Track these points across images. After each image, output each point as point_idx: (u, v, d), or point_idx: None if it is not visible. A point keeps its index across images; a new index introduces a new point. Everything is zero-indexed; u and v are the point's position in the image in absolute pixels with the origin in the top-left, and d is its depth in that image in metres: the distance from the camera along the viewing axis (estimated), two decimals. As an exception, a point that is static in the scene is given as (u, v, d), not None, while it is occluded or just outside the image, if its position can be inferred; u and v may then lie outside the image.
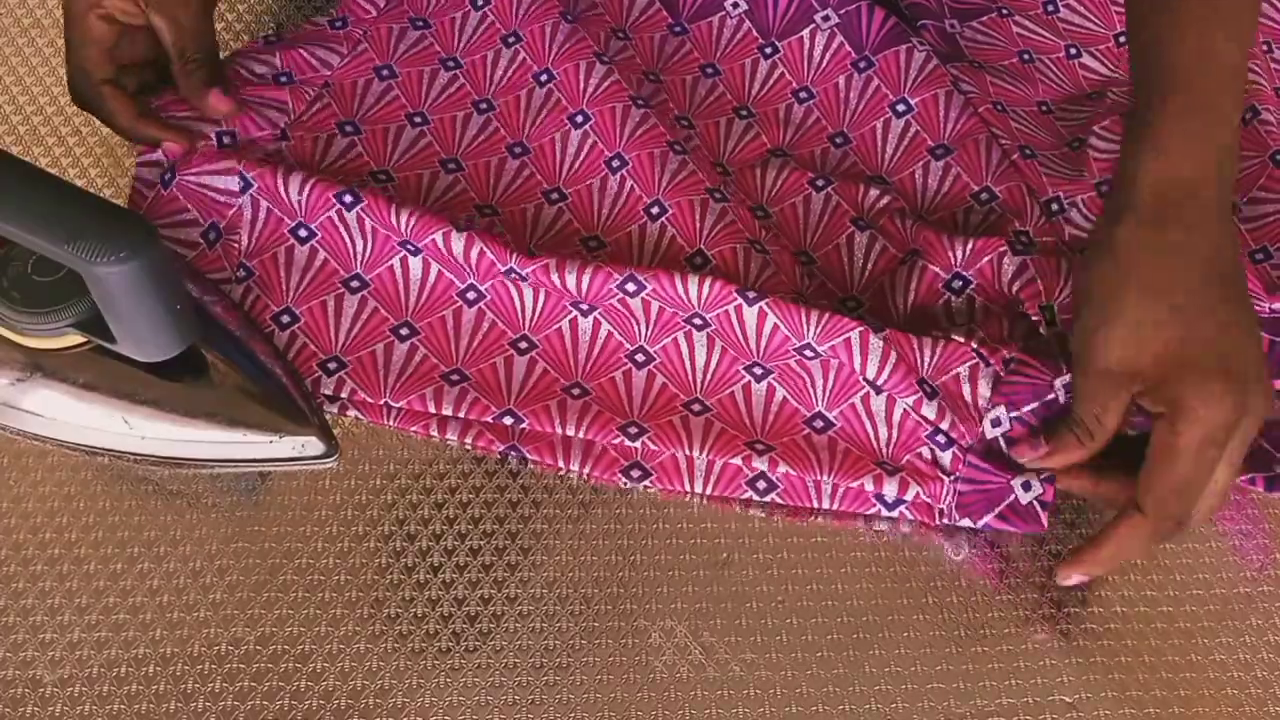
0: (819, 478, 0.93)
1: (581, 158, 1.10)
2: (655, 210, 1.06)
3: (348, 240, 1.04)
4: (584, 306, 1.00)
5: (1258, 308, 1.00)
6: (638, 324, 1.00)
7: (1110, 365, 0.88)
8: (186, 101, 1.06)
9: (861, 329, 0.94)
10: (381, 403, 0.97)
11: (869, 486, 0.93)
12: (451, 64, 1.16)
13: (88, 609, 0.88)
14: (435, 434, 0.96)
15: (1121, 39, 1.22)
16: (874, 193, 1.09)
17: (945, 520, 0.94)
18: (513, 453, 0.96)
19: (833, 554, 0.93)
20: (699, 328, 0.99)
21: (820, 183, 1.09)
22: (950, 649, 0.89)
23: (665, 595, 0.90)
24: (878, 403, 0.96)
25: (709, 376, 0.98)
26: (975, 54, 1.20)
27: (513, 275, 1.00)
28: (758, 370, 0.98)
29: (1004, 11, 1.23)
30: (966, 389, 0.95)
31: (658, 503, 0.95)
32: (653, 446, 0.95)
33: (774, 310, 0.96)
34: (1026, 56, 1.20)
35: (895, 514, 0.94)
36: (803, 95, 1.18)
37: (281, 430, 0.92)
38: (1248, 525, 0.95)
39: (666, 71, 1.19)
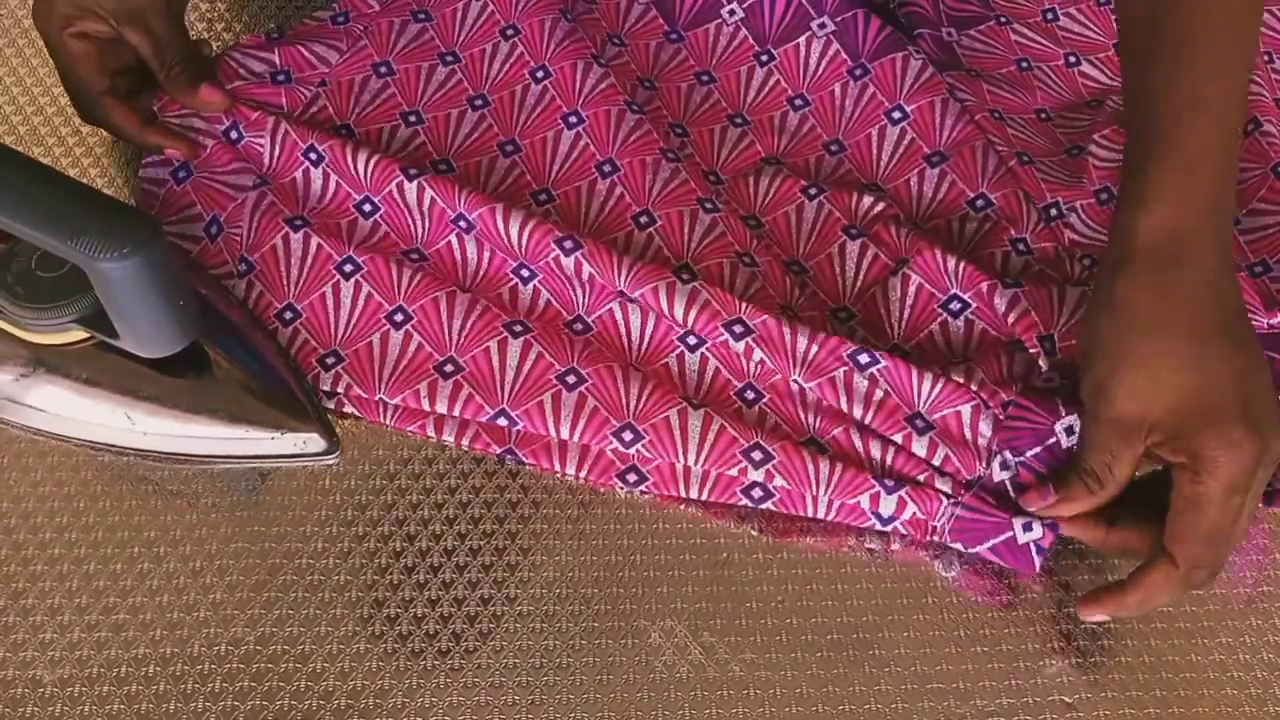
0: (815, 493, 0.93)
1: (572, 159, 1.10)
2: (644, 219, 1.06)
3: (343, 226, 1.05)
4: (583, 306, 1.01)
5: (1256, 323, 1.00)
6: (630, 336, 1.00)
7: (1124, 415, 0.86)
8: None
9: (846, 368, 0.95)
10: (376, 398, 0.97)
11: (865, 505, 0.93)
12: (450, 58, 1.16)
13: (88, 609, 0.88)
14: (432, 434, 0.96)
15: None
16: (867, 200, 1.08)
17: (937, 538, 0.93)
18: (509, 456, 0.96)
19: (833, 554, 0.93)
20: (692, 348, 0.99)
21: (813, 191, 1.09)
22: (950, 649, 0.89)
23: (665, 595, 0.90)
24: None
25: (703, 389, 0.98)
26: (973, 62, 1.20)
27: (520, 270, 1.01)
28: (750, 394, 0.98)
29: (1002, 20, 1.22)
30: (968, 431, 0.94)
31: (658, 503, 0.95)
32: (648, 454, 0.95)
33: (761, 347, 0.96)
34: (1025, 64, 1.20)
35: (889, 529, 0.94)
36: (798, 103, 1.18)
37: (283, 427, 0.93)
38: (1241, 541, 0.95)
39: (662, 78, 1.19)
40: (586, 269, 1.00)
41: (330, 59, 1.14)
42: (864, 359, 0.95)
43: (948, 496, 0.92)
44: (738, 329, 0.96)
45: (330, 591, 0.89)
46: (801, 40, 1.20)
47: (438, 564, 0.91)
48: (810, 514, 0.94)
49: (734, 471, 0.94)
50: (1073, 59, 1.20)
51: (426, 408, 0.96)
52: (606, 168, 1.09)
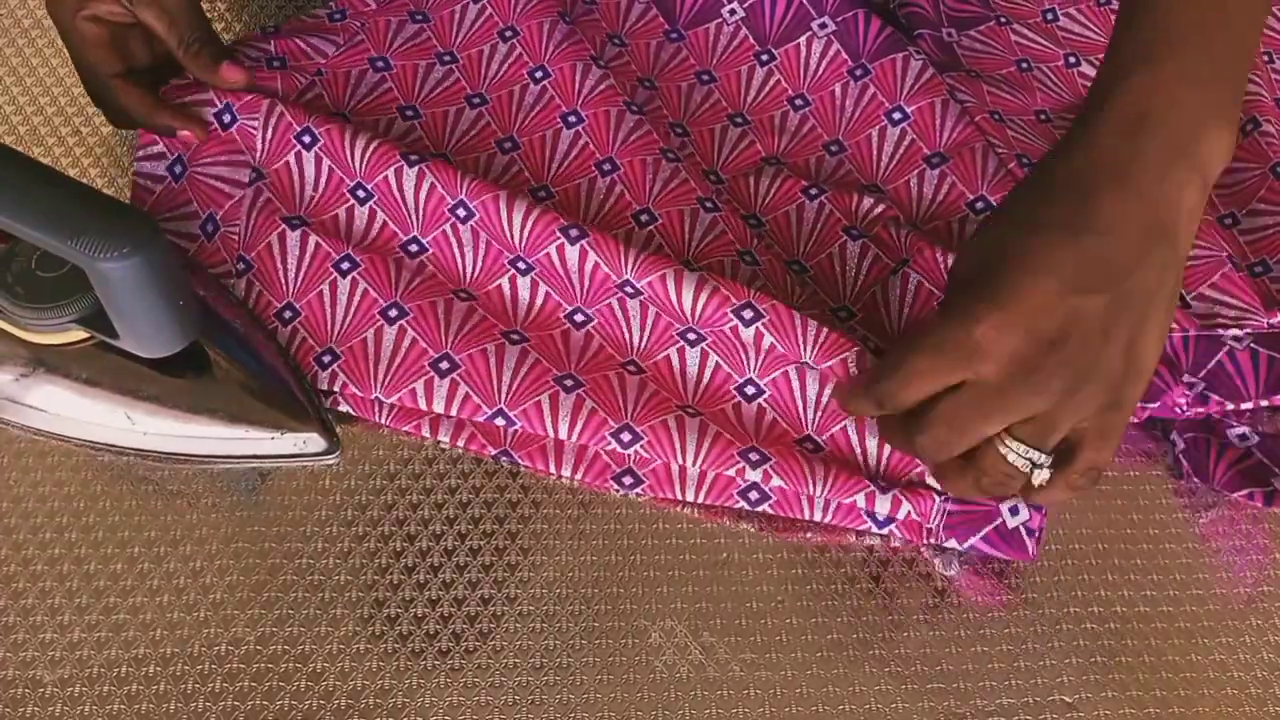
0: (812, 492, 0.93)
1: (571, 157, 1.10)
2: (645, 218, 1.06)
3: (341, 224, 1.05)
4: (582, 307, 1.01)
5: (1256, 322, 1.00)
6: (630, 332, 1.00)
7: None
8: (196, 84, 1.07)
9: (859, 349, 0.95)
10: (373, 397, 0.97)
11: (861, 504, 0.93)
12: (448, 58, 1.16)
13: (88, 609, 0.88)
14: (428, 435, 0.97)
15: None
16: (868, 201, 1.08)
17: (932, 540, 0.93)
18: (504, 458, 0.96)
19: (833, 554, 0.93)
20: (692, 343, 0.99)
21: (814, 191, 1.09)
22: (950, 649, 0.89)
23: (665, 595, 0.90)
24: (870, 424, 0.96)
25: (700, 390, 0.98)
26: (973, 63, 1.20)
27: (517, 263, 1.01)
28: (750, 389, 0.98)
29: (1002, 20, 1.23)
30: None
31: (658, 503, 0.95)
32: (645, 455, 0.95)
33: (771, 331, 0.96)
34: (1025, 65, 1.20)
35: (885, 532, 0.94)
36: (798, 102, 1.18)
37: (283, 426, 0.93)
38: (1241, 540, 0.95)
39: (662, 78, 1.19)
40: (591, 258, 0.99)
41: (327, 50, 1.14)
42: (870, 346, 0.97)
43: (939, 494, 0.93)
44: (748, 314, 0.96)
45: (330, 591, 0.89)
46: (802, 40, 1.20)
47: (438, 564, 0.91)
48: (806, 516, 0.94)
49: (731, 472, 0.94)
50: (1073, 59, 1.20)
51: (423, 407, 0.96)
52: (606, 166, 1.09)
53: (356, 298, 1.00)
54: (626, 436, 0.94)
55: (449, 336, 0.98)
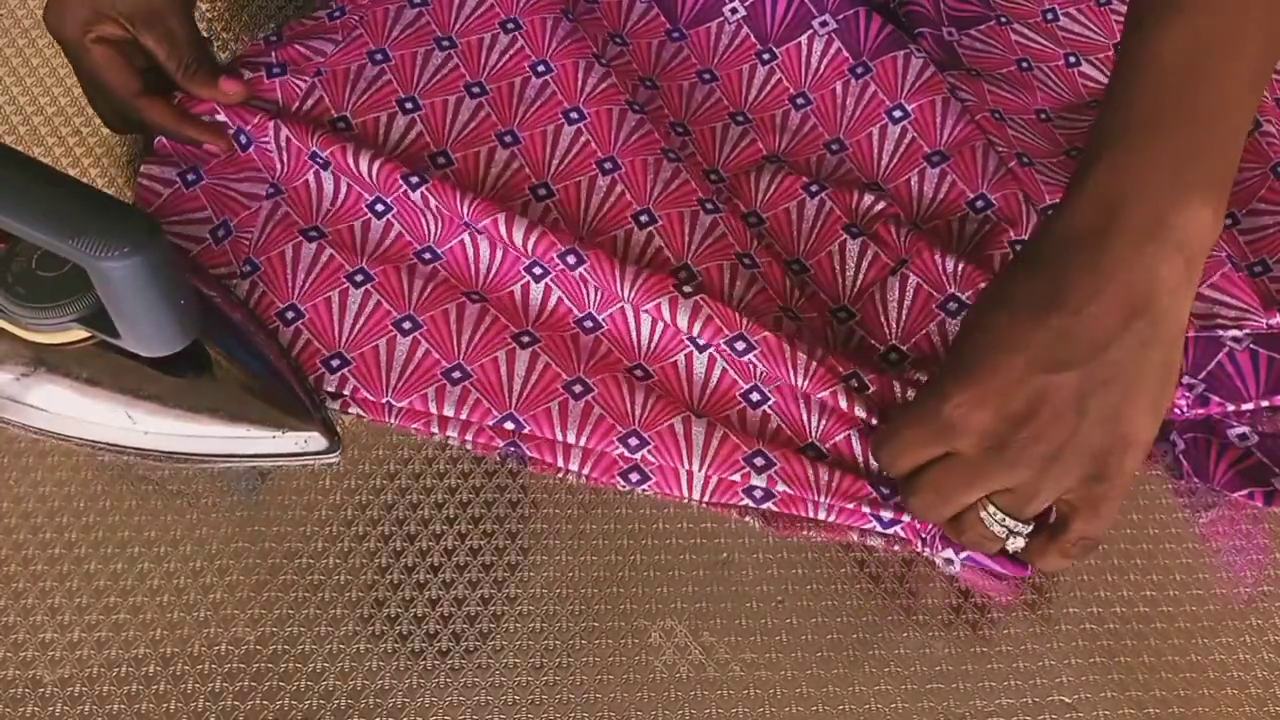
0: (817, 498, 0.93)
1: (573, 154, 1.10)
2: (644, 219, 1.06)
3: (357, 236, 1.04)
4: (594, 305, 1.01)
5: (1255, 323, 1.00)
6: (639, 336, 1.00)
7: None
8: (199, 98, 1.07)
9: (845, 388, 0.96)
10: (384, 401, 0.97)
11: (866, 509, 0.93)
12: (447, 43, 1.15)
13: (88, 609, 0.88)
14: (436, 431, 0.97)
15: (1120, 45, 1.21)
16: (868, 199, 1.08)
17: (928, 550, 0.93)
18: (512, 449, 0.96)
19: (833, 554, 0.93)
20: (700, 348, 0.99)
21: (814, 188, 1.09)
22: (950, 649, 0.89)
23: (665, 595, 0.90)
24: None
25: (707, 395, 0.99)
26: (973, 62, 1.20)
27: (533, 269, 1.01)
28: (755, 395, 0.98)
29: (1002, 19, 1.22)
30: None
31: (658, 503, 0.95)
32: (652, 459, 0.95)
33: (763, 361, 0.97)
34: (1025, 64, 1.20)
35: (890, 532, 0.94)
36: (800, 101, 1.18)
37: (284, 426, 0.93)
38: (1241, 540, 0.95)
39: (664, 77, 1.19)
40: (591, 281, 1.00)
41: (326, 50, 1.13)
42: (855, 384, 0.96)
43: None
44: (740, 345, 0.97)
45: (330, 591, 0.89)
46: (803, 39, 1.20)
47: (438, 564, 0.91)
48: (811, 514, 0.94)
49: (736, 476, 0.94)
50: (1073, 59, 1.20)
51: (434, 411, 0.96)
52: (607, 165, 1.09)
53: (369, 308, 1.01)
54: (634, 441, 0.95)
55: (461, 346, 0.99)
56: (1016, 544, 0.86)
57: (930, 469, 0.87)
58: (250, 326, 0.97)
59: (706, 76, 1.19)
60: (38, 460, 0.94)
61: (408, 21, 1.16)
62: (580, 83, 1.13)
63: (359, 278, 1.02)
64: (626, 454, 0.95)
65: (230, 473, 0.94)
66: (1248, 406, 0.99)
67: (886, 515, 0.93)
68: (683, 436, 0.95)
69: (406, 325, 1.00)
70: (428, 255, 1.04)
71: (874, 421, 0.96)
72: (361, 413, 0.97)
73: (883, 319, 1.02)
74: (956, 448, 0.85)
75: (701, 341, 0.99)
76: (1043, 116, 1.16)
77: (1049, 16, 1.24)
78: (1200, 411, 0.99)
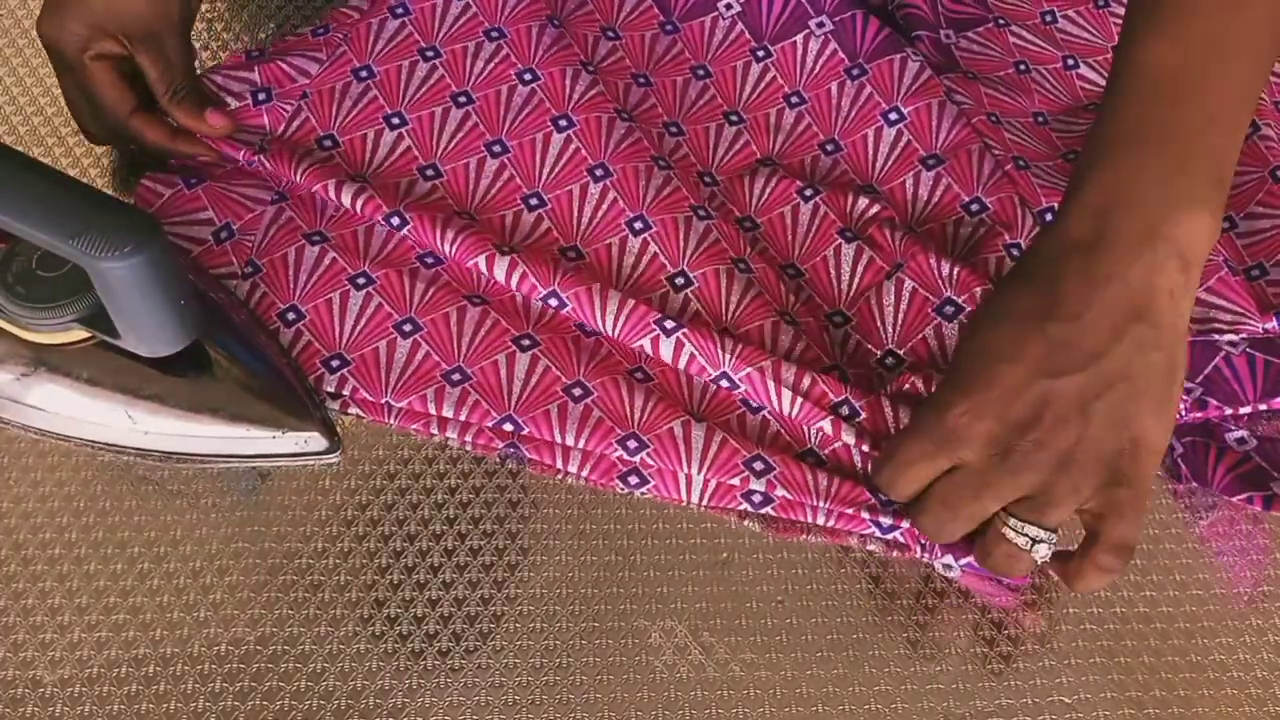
0: (815, 504, 0.93)
1: (564, 161, 1.10)
2: (638, 225, 1.06)
3: (360, 240, 1.04)
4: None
5: (1251, 327, 1.00)
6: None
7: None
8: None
9: (832, 419, 0.96)
10: (383, 402, 0.97)
11: (865, 515, 0.93)
12: (430, 53, 1.15)
13: (88, 609, 0.88)
14: (435, 431, 0.97)
15: (1117, 49, 1.21)
16: (863, 202, 1.08)
17: (926, 556, 0.93)
18: (511, 450, 0.96)
19: (833, 554, 0.93)
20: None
21: (809, 192, 1.09)
22: (950, 649, 0.89)
23: (665, 595, 0.90)
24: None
25: (707, 398, 0.99)
26: (970, 64, 1.20)
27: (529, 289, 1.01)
28: (754, 402, 0.98)
29: (1000, 22, 1.23)
30: None
31: (658, 502, 0.95)
32: (651, 463, 0.95)
33: (749, 382, 0.97)
34: (1023, 67, 1.20)
35: (889, 538, 0.94)
36: (794, 100, 1.18)
37: (284, 426, 0.93)
38: (1241, 542, 0.95)
39: (657, 73, 1.19)
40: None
41: (311, 70, 1.13)
42: (845, 410, 0.96)
43: None
44: (725, 382, 0.98)
45: (330, 591, 0.89)
46: (799, 38, 1.20)
47: (438, 564, 0.91)
48: (810, 519, 0.94)
49: (735, 481, 0.94)
50: (1071, 61, 1.20)
51: (433, 412, 0.96)
52: (599, 171, 1.09)
53: (370, 310, 1.01)
54: (633, 444, 0.94)
55: (461, 349, 0.99)
56: (1042, 553, 0.85)
57: (935, 485, 0.87)
58: (250, 327, 0.97)
59: (700, 72, 1.19)
60: (38, 460, 0.94)
61: (391, 34, 1.16)
62: (568, 90, 1.13)
63: (361, 280, 1.02)
64: (626, 456, 0.95)
65: (230, 473, 0.94)
66: (1245, 410, 0.99)
67: (886, 521, 0.93)
68: (682, 440, 0.94)
69: (407, 328, 1.00)
70: (430, 259, 1.04)
71: (865, 448, 0.95)
72: (361, 413, 0.97)
73: (878, 323, 1.02)
74: (961, 458, 0.85)
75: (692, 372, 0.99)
76: (1040, 120, 1.16)
77: (1047, 18, 1.24)
78: (1198, 415, 0.99)
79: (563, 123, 1.11)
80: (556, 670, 0.87)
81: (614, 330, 0.99)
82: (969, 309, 1.01)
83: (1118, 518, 0.84)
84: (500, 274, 1.01)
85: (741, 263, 1.03)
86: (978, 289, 1.01)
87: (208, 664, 0.86)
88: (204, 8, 1.09)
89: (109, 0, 1.00)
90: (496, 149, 1.10)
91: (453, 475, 0.95)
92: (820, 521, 0.94)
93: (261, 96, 1.12)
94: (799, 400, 0.95)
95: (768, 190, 1.10)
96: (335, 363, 0.98)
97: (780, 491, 0.93)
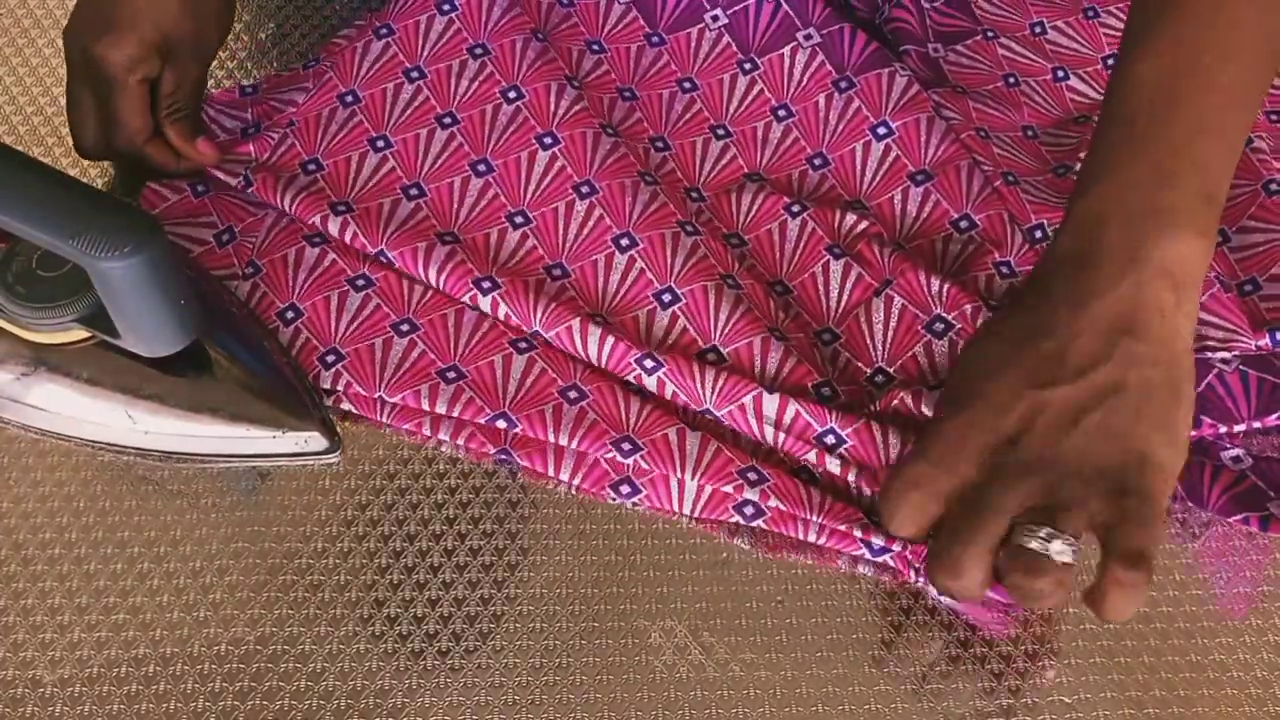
0: (808, 517, 0.93)
1: (549, 179, 1.10)
2: (625, 242, 1.05)
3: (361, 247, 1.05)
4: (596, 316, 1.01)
5: (1243, 345, 1.00)
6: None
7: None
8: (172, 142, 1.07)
9: (817, 450, 0.95)
10: (376, 396, 0.97)
11: (857, 533, 0.92)
12: (415, 74, 1.15)
13: (88, 609, 0.88)
14: (429, 432, 0.97)
15: (1110, 61, 1.21)
16: (850, 218, 1.08)
17: (921, 580, 0.93)
18: (503, 456, 0.96)
19: (832, 554, 0.93)
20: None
21: (796, 208, 1.09)
22: (950, 649, 0.89)
23: (665, 595, 0.91)
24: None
25: (700, 414, 0.99)
26: (959, 78, 1.20)
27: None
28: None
29: (989, 34, 1.23)
30: None
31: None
32: (645, 466, 0.95)
33: (733, 420, 0.97)
34: (1012, 80, 1.20)
35: (880, 560, 0.93)
36: (781, 113, 1.18)
37: (284, 426, 0.93)
38: (1242, 541, 0.95)
39: (642, 86, 1.19)
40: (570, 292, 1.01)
41: (297, 100, 1.14)
42: (830, 440, 0.95)
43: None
44: (708, 417, 0.98)
45: (330, 591, 0.89)
46: (786, 50, 1.20)
47: (438, 564, 0.91)
48: (801, 536, 0.94)
49: (729, 488, 0.93)
50: (1061, 73, 1.20)
51: (426, 408, 0.96)
52: (584, 189, 1.09)
53: (368, 309, 1.01)
54: (627, 446, 0.94)
55: (458, 349, 0.99)
56: (1057, 549, 0.82)
57: (940, 536, 0.86)
58: (250, 326, 0.98)
59: (687, 85, 1.19)
60: (38, 460, 0.94)
61: (375, 55, 1.16)
62: (553, 106, 1.13)
63: (360, 282, 1.02)
64: (619, 459, 0.94)
65: (230, 473, 0.94)
66: (1240, 428, 0.99)
67: (878, 542, 0.92)
68: (676, 446, 0.94)
69: (404, 327, 1.00)
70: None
71: (850, 477, 0.95)
72: (352, 408, 0.97)
73: (868, 341, 1.02)
74: (959, 475, 0.85)
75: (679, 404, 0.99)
76: (1029, 133, 1.16)
77: (1036, 30, 1.24)
78: (1192, 433, 0.99)
79: (548, 140, 1.11)
80: (556, 670, 0.87)
81: (600, 359, 0.99)
82: (959, 326, 1.01)
83: (1131, 526, 0.82)
84: (485, 309, 1.01)
85: (730, 279, 1.03)
86: (968, 306, 1.01)
87: (207, 664, 0.86)
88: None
89: (161, 24, 1.01)
90: (481, 168, 1.10)
91: (453, 475, 0.95)
92: (812, 538, 0.93)
93: (252, 131, 1.12)
94: (781, 435, 0.95)
95: (755, 207, 1.10)
96: (330, 358, 0.98)
97: (774, 502, 0.93)
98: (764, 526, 0.94)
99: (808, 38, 1.20)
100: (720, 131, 1.17)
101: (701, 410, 0.97)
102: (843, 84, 1.18)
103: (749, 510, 0.94)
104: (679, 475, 0.94)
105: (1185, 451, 0.85)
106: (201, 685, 0.85)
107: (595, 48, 1.20)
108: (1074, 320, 0.84)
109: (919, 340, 1.01)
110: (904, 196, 1.12)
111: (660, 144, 1.15)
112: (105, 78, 1.01)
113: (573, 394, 0.97)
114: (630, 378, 0.98)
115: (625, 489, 0.95)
